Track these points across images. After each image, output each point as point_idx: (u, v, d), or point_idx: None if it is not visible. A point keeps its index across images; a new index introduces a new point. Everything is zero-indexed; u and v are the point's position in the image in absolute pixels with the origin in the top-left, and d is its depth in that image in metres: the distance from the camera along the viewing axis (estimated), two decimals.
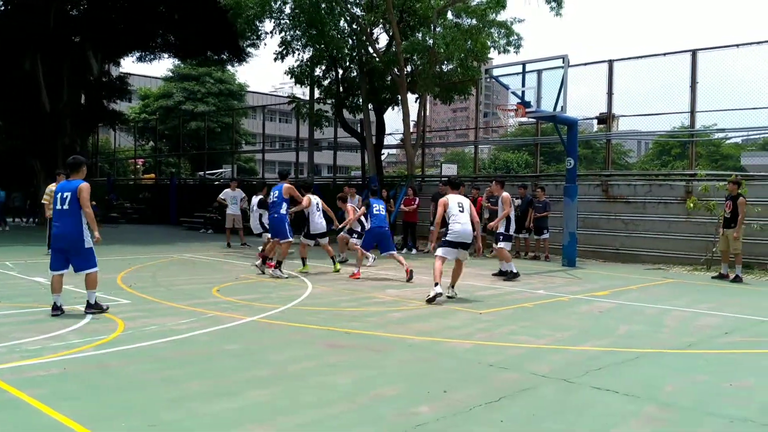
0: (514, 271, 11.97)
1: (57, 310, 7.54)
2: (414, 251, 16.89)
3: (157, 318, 7.57)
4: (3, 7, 24.69)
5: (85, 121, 27.03)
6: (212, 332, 6.91)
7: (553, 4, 18.03)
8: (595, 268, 14.69)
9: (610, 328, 7.70)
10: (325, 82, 21.99)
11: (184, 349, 6.23)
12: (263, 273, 11.92)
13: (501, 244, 12.17)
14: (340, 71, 21.52)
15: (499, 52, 19.38)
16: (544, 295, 10.22)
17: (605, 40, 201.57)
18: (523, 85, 14.26)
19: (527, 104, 14.07)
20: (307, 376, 5.36)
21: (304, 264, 12.57)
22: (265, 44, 43.79)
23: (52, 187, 13.40)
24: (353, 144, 25.04)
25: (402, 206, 17.21)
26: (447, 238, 9.43)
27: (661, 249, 15.56)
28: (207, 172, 34.52)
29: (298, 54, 20.27)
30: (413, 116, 20.15)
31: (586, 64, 17.65)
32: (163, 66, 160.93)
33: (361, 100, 21.13)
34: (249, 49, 27.02)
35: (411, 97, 20.31)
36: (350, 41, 19.95)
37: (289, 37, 19.75)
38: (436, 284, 9.09)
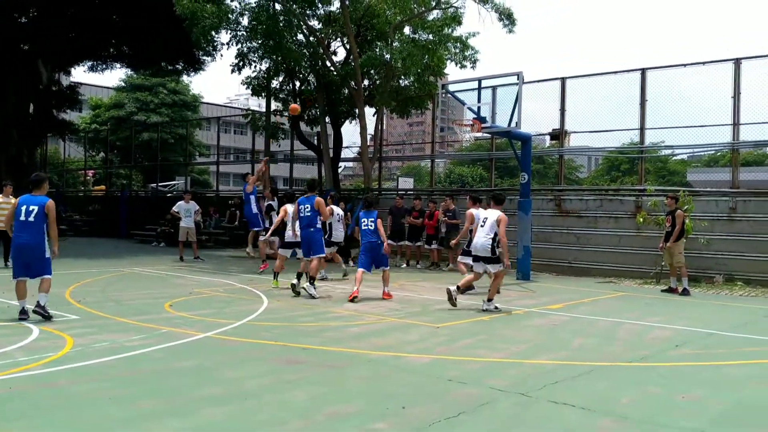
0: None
1: (24, 314, 8.04)
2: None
3: (107, 334, 7.36)
4: None
5: (33, 131, 26.21)
6: (165, 349, 6.75)
7: (506, 22, 18.38)
8: (548, 281, 14.89)
9: (565, 342, 7.80)
10: (282, 94, 21.89)
11: (136, 366, 6.06)
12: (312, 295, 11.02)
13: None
14: (297, 83, 21.46)
15: (456, 64, 19.60)
16: (500, 309, 10.29)
17: (559, 58, 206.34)
18: (479, 100, 14.47)
19: (483, 119, 14.26)
20: (263, 393, 5.26)
21: (275, 278, 12.32)
22: (221, 55, 43.52)
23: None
24: (310, 156, 24.94)
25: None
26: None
27: (613, 262, 15.88)
28: (159, 184, 33.90)
29: (255, 65, 20.17)
30: (370, 130, 20.22)
31: (539, 81, 17.98)
32: (115, 76, 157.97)
33: (318, 113, 21.09)
34: (205, 59, 26.72)
35: (368, 111, 20.39)
36: (308, 54, 19.92)
37: (245, 48, 19.61)
38: (462, 292, 10.29)
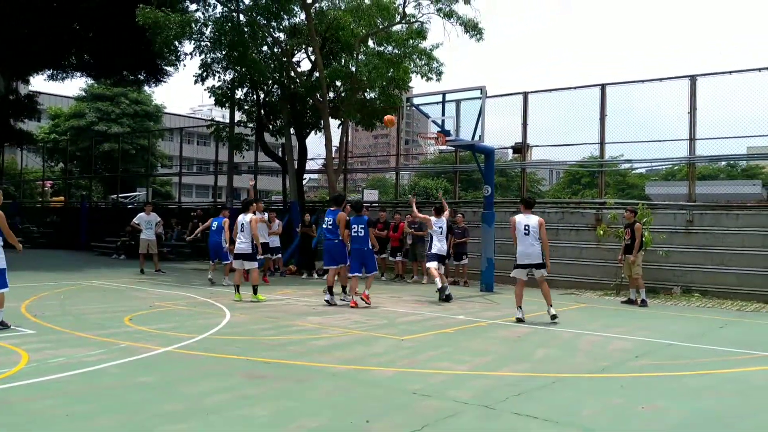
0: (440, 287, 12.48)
1: None
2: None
3: (64, 349, 7.17)
4: None
5: None
6: (124, 364, 6.60)
7: (473, 32, 18.60)
8: (512, 293, 14.93)
9: (528, 353, 7.86)
10: (246, 105, 21.77)
11: (94, 382, 5.91)
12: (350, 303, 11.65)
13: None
14: (262, 94, 21.36)
15: (422, 77, 19.73)
16: (464, 321, 10.36)
17: (523, 73, 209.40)
18: (443, 114, 14.59)
19: (447, 133, 14.38)
20: (224, 409, 5.18)
21: (237, 291, 12.20)
22: (185, 65, 43.12)
23: None
24: (274, 168, 24.79)
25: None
26: (516, 261, 10.38)
27: (574, 274, 16.10)
28: (120, 195, 33.35)
29: (219, 76, 20.02)
30: (335, 142, 20.19)
31: (502, 95, 18.24)
32: (75, 85, 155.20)
33: (282, 124, 20.99)
34: (167, 69, 26.46)
35: (333, 123, 20.37)
36: (272, 65, 19.86)
37: (209, 59, 19.46)
38: (518, 308, 10.19)
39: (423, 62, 19.56)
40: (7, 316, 8.38)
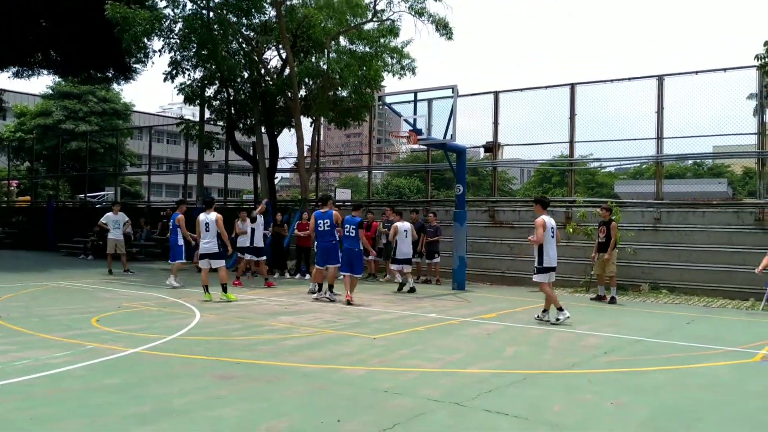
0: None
1: None
2: (307, 276, 16.70)
3: (29, 351, 7.03)
4: None
5: None
6: (90, 366, 6.49)
7: (443, 31, 18.68)
8: (483, 291, 15.11)
9: (499, 350, 7.91)
10: (216, 103, 21.53)
11: (59, 384, 5.79)
12: (331, 300, 12.14)
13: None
14: (232, 92, 21.15)
15: (393, 75, 19.73)
16: (436, 319, 10.38)
17: (494, 72, 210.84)
18: (415, 113, 14.61)
19: (419, 132, 14.40)
20: (194, 410, 5.11)
21: (206, 291, 12.05)
22: (153, 63, 42.50)
23: None
24: (245, 167, 24.58)
25: (296, 231, 17.03)
26: (545, 265, 9.97)
27: None
28: (88, 194, 32.78)
29: (189, 74, 19.77)
30: (307, 140, 20.11)
31: (474, 94, 18.33)
32: (42, 83, 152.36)
33: (253, 122, 20.83)
34: (136, 66, 26.05)
35: (305, 121, 20.27)
36: (243, 63, 19.68)
37: (179, 56, 19.21)
38: (560, 309, 9.93)
39: (395, 60, 19.58)
40: None
